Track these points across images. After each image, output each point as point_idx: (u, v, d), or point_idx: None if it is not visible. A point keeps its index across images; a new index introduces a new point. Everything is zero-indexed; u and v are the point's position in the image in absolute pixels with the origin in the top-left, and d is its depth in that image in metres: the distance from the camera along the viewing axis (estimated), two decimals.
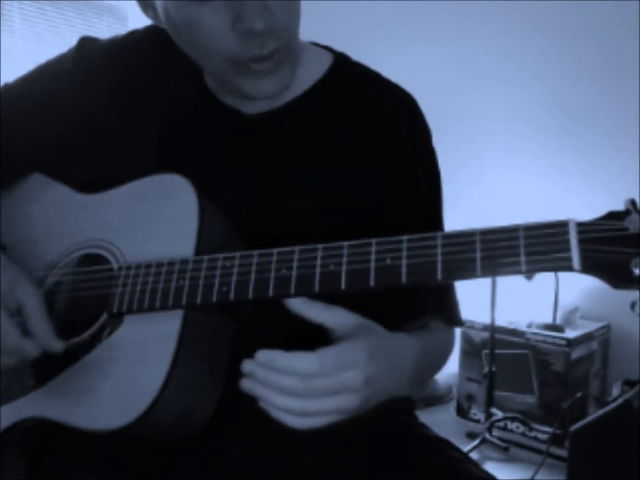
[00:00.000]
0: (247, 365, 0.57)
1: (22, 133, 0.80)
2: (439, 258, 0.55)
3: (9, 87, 0.82)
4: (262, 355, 0.56)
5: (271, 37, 0.65)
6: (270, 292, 0.61)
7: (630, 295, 0.53)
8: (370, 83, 0.80)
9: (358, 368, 0.57)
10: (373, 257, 0.58)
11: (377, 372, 0.59)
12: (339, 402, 0.57)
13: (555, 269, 0.52)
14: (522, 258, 0.53)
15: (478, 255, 0.54)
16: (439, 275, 0.55)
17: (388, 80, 0.81)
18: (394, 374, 0.64)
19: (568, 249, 0.52)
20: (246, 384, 0.57)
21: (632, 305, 0.53)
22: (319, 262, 0.59)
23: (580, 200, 2.12)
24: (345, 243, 0.59)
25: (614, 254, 0.51)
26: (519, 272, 0.53)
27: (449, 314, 0.81)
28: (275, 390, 0.56)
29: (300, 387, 0.56)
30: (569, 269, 0.52)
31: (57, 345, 0.69)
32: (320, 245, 0.60)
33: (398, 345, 0.66)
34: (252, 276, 0.62)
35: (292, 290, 0.60)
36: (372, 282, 0.57)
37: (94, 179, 0.77)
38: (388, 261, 0.57)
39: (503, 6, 2.31)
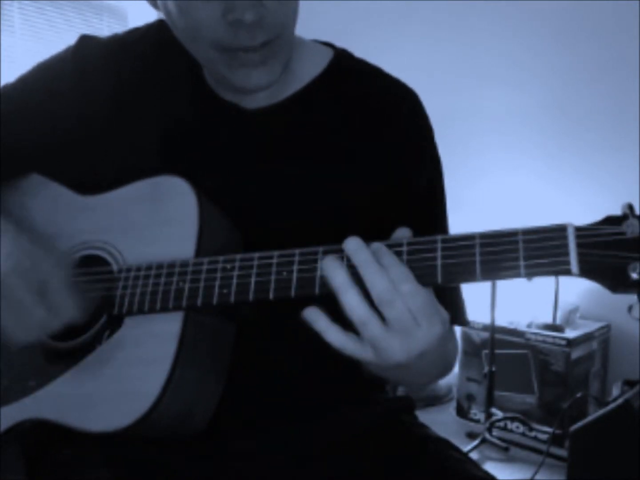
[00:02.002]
0: (354, 240, 0.57)
1: (21, 133, 0.79)
2: (439, 262, 0.56)
3: (8, 87, 0.82)
4: (375, 245, 0.56)
5: (261, 30, 0.65)
6: (271, 295, 0.61)
7: (630, 296, 0.53)
8: (372, 78, 0.80)
9: (433, 327, 0.56)
10: None
11: (428, 354, 0.57)
12: (388, 339, 0.55)
13: (554, 273, 0.53)
14: (521, 262, 0.54)
15: (477, 259, 0.55)
16: (439, 279, 0.56)
17: (390, 76, 0.81)
18: (429, 370, 0.63)
19: (567, 254, 0.52)
20: (328, 260, 0.57)
21: (630, 308, 0.53)
22: (319, 264, 0.59)
23: (580, 201, 2.12)
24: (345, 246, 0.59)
25: (612, 259, 0.51)
26: (518, 276, 0.54)
27: (455, 312, 0.80)
28: (351, 282, 0.55)
29: (386, 286, 0.54)
30: (568, 273, 0.52)
31: (79, 317, 0.66)
32: (320, 248, 0.60)
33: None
34: (253, 279, 0.62)
35: (293, 293, 0.60)
36: None
37: (94, 179, 0.76)
38: None
39: (503, 6, 2.31)
